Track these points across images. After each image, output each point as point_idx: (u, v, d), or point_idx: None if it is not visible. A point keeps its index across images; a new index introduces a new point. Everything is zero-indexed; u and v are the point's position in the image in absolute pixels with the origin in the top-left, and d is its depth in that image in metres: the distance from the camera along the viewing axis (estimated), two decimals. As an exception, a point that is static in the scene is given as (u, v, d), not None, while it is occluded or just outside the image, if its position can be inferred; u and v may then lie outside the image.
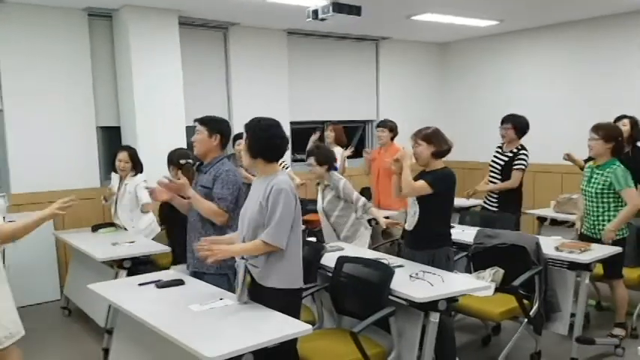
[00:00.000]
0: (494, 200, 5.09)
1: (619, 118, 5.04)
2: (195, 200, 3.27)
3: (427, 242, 3.49)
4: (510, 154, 5.01)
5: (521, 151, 4.99)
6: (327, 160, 4.34)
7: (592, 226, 4.06)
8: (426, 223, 3.47)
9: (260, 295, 2.78)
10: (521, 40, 7.36)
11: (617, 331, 4.08)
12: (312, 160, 4.32)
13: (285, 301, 2.74)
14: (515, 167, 4.94)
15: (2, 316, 2.81)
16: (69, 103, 5.50)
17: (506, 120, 5.09)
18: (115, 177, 5.07)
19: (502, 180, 5.02)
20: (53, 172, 5.45)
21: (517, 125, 5.01)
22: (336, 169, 4.55)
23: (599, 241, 3.96)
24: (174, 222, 4.31)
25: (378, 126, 5.60)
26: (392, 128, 5.51)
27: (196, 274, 3.38)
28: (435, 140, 3.48)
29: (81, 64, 5.55)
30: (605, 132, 3.93)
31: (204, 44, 6.33)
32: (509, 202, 4.97)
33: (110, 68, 5.76)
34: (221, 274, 3.32)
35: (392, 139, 5.51)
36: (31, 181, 5.34)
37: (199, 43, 6.25)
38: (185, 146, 5.56)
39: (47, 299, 5.41)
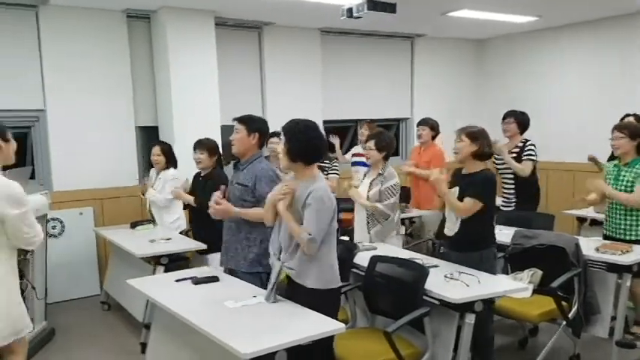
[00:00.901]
0: (512, 197, 5.00)
1: (624, 117, 4.98)
2: (243, 214, 3.30)
3: (474, 244, 3.43)
4: (517, 149, 4.93)
5: (528, 143, 4.93)
6: (386, 147, 4.21)
7: (617, 226, 3.96)
8: (470, 227, 3.41)
9: (297, 294, 2.79)
10: (561, 36, 7.18)
11: (636, 329, 4.05)
12: (371, 143, 4.24)
13: (323, 301, 2.74)
14: (525, 158, 4.87)
15: (10, 311, 2.81)
16: (109, 103, 5.64)
17: (508, 115, 5.08)
18: (153, 172, 5.19)
19: (516, 179, 4.94)
20: (93, 170, 5.59)
21: (520, 120, 5.00)
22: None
23: (625, 241, 3.86)
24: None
25: (419, 124, 5.51)
26: (433, 126, 5.42)
27: (230, 272, 3.44)
28: (479, 140, 3.42)
29: (120, 65, 5.68)
30: (631, 130, 3.91)
31: (239, 44, 6.39)
32: (527, 200, 4.90)
33: (148, 69, 5.88)
34: (254, 273, 3.36)
35: (433, 138, 5.43)
36: (72, 179, 5.49)
37: (234, 43, 6.31)
38: (220, 145, 5.64)
39: (87, 294, 5.57)
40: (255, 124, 3.41)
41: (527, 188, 4.96)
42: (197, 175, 4.68)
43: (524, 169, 4.85)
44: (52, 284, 4.78)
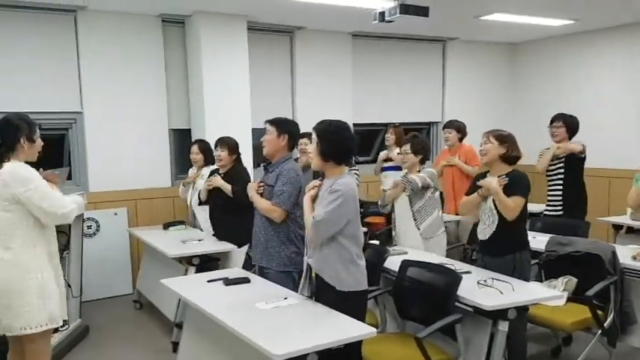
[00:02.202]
0: (558, 204, 4.89)
1: None
2: (255, 200, 3.45)
3: (509, 247, 3.39)
4: (565, 154, 4.82)
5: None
6: (421, 150, 4.20)
7: None
8: (505, 229, 3.37)
9: (326, 296, 2.80)
10: (595, 40, 7.03)
11: None
12: (407, 147, 4.23)
13: (350, 303, 2.74)
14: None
15: (25, 299, 2.82)
16: (144, 106, 5.75)
17: (556, 118, 4.93)
18: (192, 171, 5.30)
19: (564, 185, 4.83)
20: (128, 171, 5.70)
21: (568, 124, 4.86)
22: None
23: None
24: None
25: (445, 127, 5.49)
26: (459, 129, 5.38)
27: (262, 270, 3.48)
28: (507, 143, 3.39)
29: (155, 69, 5.78)
30: None
31: (270, 48, 6.44)
32: (575, 207, 4.78)
33: (182, 72, 5.97)
34: (286, 272, 3.40)
35: (460, 140, 5.39)
36: (107, 180, 5.61)
37: (266, 47, 6.37)
38: (251, 148, 5.70)
39: (120, 293, 5.68)
40: (285, 126, 3.48)
41: (576, 195, 4.84)
42: (215, 172, 4.71)
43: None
44: (86, 282, 4.88)
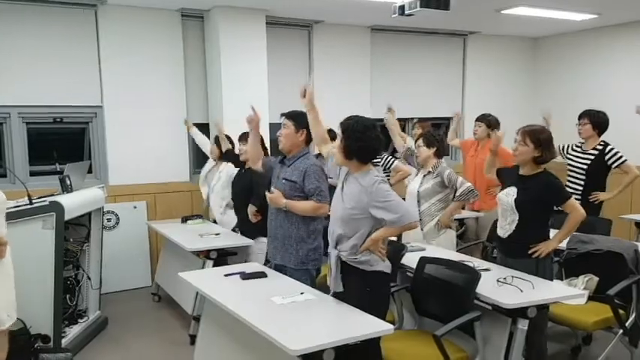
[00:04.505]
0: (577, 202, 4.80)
1: None
2: (291, 206, 3.32)
3: (529, 249, 3.32)
4: (595, 152, 4.73)
5: (609, 147, 4.72)
6: (434, 143, 4.17)
7: None
8: (526, 229, 3.32)
9: (346, 276, 2.81)
10: (619, 34, 6.89)
11: None
12: (420, 142, 4.21)
13: (374, 285, 2.79)
14: (619, 162, 4.67)
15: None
16: (163, 100, 5.78)
17: (583, 115, 4.82)
18: (209, 163, 5.35)
19: (587, 183, 4.73)
20: (147, 165, 5.74)
21: (595, 121, 4.74)
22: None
23: None
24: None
25: (477, 119, 5.39)
26: (490, 123, 5.26)
27: (278, 268, 3.46)
28: (544, 147, 3.27)
29: (174, 63, 5.81)
30: None
31: (289, 42, 6.43)
32: (591, 204, 4.67)
33: (201, 67, 5.99)
34: (303, 269, 3.37)
35: (489, 135, 5.28)
36: (127, 173, 5.66)
37: (284, 41, 6.35)
38: (269, 143, 5.70)
39: (139, 285, 5.73)
40: (303, 121, 3.36)
41: (596, 192, 4.74)
42: (242, 166, 4.70)
43: (636, 173, 4.65)
44: (105, 275, 4.94)
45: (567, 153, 4.94)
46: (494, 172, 3.73)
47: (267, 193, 3.39)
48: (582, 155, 4.80)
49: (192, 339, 4.09)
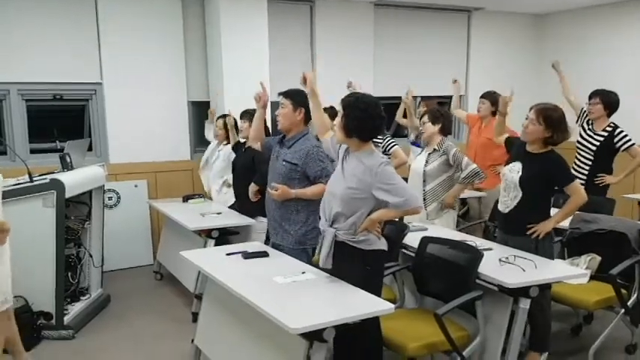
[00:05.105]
0: (582, 181, 4.75)
1: None
2: (302, 194, 3.30)
3: (529, 228, 3.29)
4: (604, 134, 4.67)
5: (618, 130, 4.65)
6: (440, 119, 4.09)
7: None
8: (528, 207, 3.29)
9: (344, 256, 2.79)
10: (628, 10, 6.77)
11: None
12: (425, 118, 4.15)
13: (373, 264, 2.79)
14: (627, 146, 4.61)
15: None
16: (163, 78, 5.73)
17: (594, 95, 4.73)
18: (213, 143, 5.32)
19: (594, 163, 4.68)
20: (148, 144, 5.72)
21: (606, 101, 4.66)
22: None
23: None
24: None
25: (481, 97, 5.32)
26: (494, 101, 5.20)
27: (275, 247, 3.45)
28: (555, 128, 3.19)
29: (174, 41, 5.74)
30: None
31: (290, 19, 6.34)
32: (597, 184, 4.64)
33: (201, 45, 5.91)
34: (301, 249, 3.37)
35: (493, 113, 5.21)
36: (127, 152, 5.64)
37: (286, 17, 6.26)
38: (270, 121, 5.65)
39: (141, 263, 5.75)
40: (301, 99, 3.29)
41: (602, 173, 4.70)
42: (241, 145, 4.67)
43: None
44: (107, 253, 4.94)
45: (581, 124, 4.87)
46: (503, 139, 3.74)
47: (271, 191, 3.33)
48: (594, 135, 4.74)
49: (195, 316, 4.11)
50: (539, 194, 3.30)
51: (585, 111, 4.87)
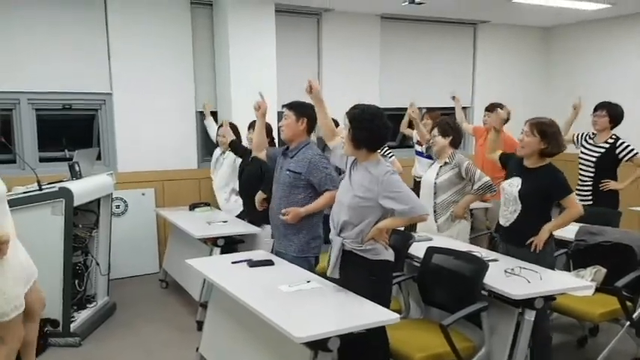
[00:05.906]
0: (588, 194, 4.76)
1: None
2: (312, 210, 3.37)
3: (530, 237, 3.30)
4: (606, 145, 4.67)
5: (620, 141, 4.67)
6: (450, 132, 4.10)
7: None
8: (528, 219, 3.30)
9: (351, 265, 2.81)
10: (632, 24, 6.80)
11: None
12: (435, 131, 4.17)
13: (379, 274, 2.81)
14: (630, 155, 4.62)
15: (10, 289, 2.88)
16: (171, 88, 5.78)
17: (600, 107, 4.75)
18: (217, 151, 5.38)
19: (597, 175, 4.68)
20: (156, 153, 5.75)
21: (613, 114, 4.68)
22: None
23: None
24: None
25: (486, 109, 5.33)
26: None
27: (279, 255, 3.48)
28: (550, 140, 3.23)
29: (183, 51, 5.79)
30: None
31: (297, 30, 6.40)
32: (607, 197, 4.64)
33: (209, 55, 5.97)
34: (303, 257, 3.40)
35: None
36: (135, 160, 5.68)
37: (293, 29, 6.32)
38: (276, 131, 5.69)
39: (147, 272, 5.76)
40: (303, 110, 3.43)
41: (607, 179, 4.68)
42: (244, 155, 4.71)
43: None
44: (114, 261, 4.97)
45: (581, 143, 4.89)
46: (497, 156, 3.72)
47: (283, 217, 3.37)
48: (594, 147, 4.76)
49: (200, 325, 4.11)
50: (539, 207, 3.30)
51: (579, 134, 4.90)
